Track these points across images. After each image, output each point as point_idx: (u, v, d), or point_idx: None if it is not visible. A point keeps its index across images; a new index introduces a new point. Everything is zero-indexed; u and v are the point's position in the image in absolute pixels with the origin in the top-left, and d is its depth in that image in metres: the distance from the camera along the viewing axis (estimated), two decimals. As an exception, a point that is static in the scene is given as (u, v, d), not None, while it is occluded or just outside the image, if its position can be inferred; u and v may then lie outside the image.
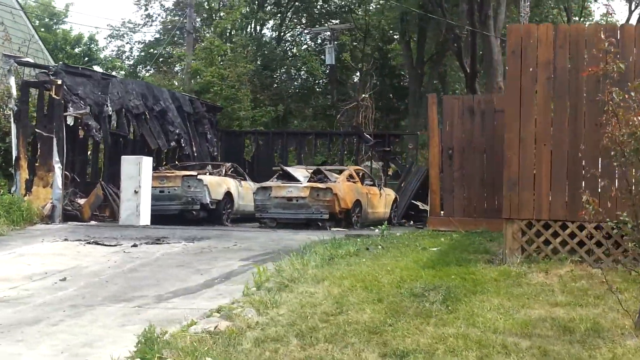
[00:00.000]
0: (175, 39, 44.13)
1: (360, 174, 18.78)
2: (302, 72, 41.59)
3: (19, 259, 11.49)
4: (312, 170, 17.76)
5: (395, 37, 39.83)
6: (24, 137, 16.06)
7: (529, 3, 25.40)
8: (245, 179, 19.86)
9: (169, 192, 16.94)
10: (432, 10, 36.79)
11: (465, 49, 32.70)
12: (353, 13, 39.83)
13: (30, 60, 17.98)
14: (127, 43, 47.98)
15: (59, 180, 15.80)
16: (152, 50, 44.18)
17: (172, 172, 17.55)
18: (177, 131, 21.92)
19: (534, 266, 8.02)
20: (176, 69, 42.04)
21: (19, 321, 7.49)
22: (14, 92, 16.32)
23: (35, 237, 13.84)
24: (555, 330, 6.19)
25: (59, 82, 15.90)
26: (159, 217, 16.70)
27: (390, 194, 20.04)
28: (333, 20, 41.11)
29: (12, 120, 16.20)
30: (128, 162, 16.13)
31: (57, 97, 15.85)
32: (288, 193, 16.46)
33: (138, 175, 15.91)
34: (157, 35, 44.88)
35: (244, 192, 19.10)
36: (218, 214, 17.68)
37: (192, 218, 17.24)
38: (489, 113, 12.84)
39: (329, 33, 37.44)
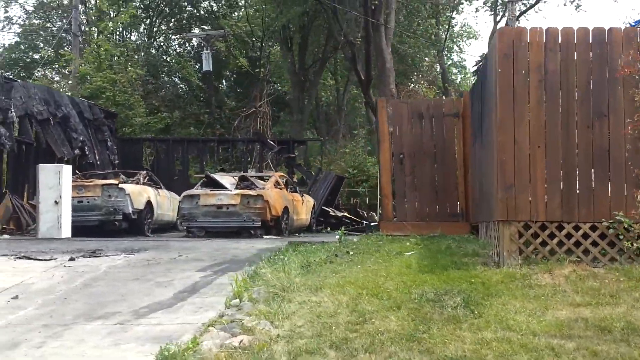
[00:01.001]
0: (37, 42, 42.27)
1: (284, 181, 18.50)
2: (176, 78, 40.63)
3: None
4: (237, 177, 17.32)
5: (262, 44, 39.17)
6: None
7: (518, 6, 25.91)
8: (161, 188, 19.14)
9: (88, 202, 16.01)
10: (314, 18, 37.07)
11: (359, 56, 32.99)
12: (225, 19, 39.14)
13: None
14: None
15: (-30, 192, 14.61)
16: (12, 54, 41.99)
17: (91, 181, 16.61)
18: (81, 138, 20.87)
19: (535, 268, 8.05)
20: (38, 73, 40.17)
21: (-7, 344, 6.79)
22: None
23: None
24: (593, 331, 6.19)
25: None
26: (77, 229, 15.75)
27: (310, 200, 19.88)
28: (204, 27, 40.34)
29: None
30: (47, 171, 15.10)
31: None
32: (218, 201, 15.94)
33: (59, 185, 14.93)
34: (17, 39, 42.90)
35: (161, 201, 18.40)
36: (139, 224, 16.91)
37: (113, 229, 16.38)
38: (439, 117, 12.89)
39: (199, 40, 36.49)
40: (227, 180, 17.01)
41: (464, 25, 47.89)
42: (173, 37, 42.65)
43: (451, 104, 13.12)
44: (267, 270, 9.94)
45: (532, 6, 42.21)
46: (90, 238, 14.88)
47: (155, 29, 41.77)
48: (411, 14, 38.74)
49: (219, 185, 16.59)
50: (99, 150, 22.65)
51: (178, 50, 42.25)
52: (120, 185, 16.45)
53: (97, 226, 16.27)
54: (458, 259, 8.78)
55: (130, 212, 16.42)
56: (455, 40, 47.52)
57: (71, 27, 30.97)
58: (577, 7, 44.59)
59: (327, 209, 22.68)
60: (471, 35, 49.81)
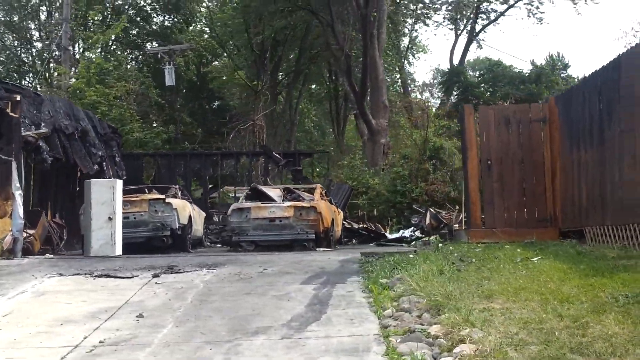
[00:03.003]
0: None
1: (324, 192, 18.21)
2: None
3: (43, 298, 9.90)
4: (282, 189, 16.99)
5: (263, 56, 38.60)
6: (-28, 162, 14.00)
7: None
8: (192, 202, 18.67)
9: (134, 217, 15.44)
10: (292, 32, 36.94)
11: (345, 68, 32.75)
12: (182, 34, 38.44)
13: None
14: None
15: (20, 210, 13.90)
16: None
17: (137, 196, 16.02)
18: (100, 153, 20.26)
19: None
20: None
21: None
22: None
23: (17, 273, 11.98)
24: None
25: (18, 98, 14.06)
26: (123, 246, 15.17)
27: (340, 212, 19.64)
28: (155, 42, 39.61)
29: (-45, 143, 14.05)
30: (100, 186, 14.52)
31: (16, 116, 13.98)
32: (270, 214, 15.55)
33: (112, 201, 14.37)
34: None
35: (195, 215, 17.94)
36: (183, 239, 16.39)
37: (160, 245, 15.84)
38: (525, 123, 12.83)
39: (160, 54, 35.55)
40: (274, 192, 16.64)
41: (414, 39, 48.81)
42: (128, 52, 41.65)
43: (537, 109, 13.06)
44: (387, 280, 9.80)
45: (493, 21, 43.18)
46: (152, 255, 14.40)
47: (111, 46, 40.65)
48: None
49: (267, 198, 16.22)
50: (110, 165, 22.01)
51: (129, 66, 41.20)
52: (167, 200, 15.95)
53: (143, 243, 15.68)
54: (614, 262, 8.67)
55: (177, 227, 15.94)
56: (404, 54, 48.31)
57: (62, 41, 30.13)
58: (540, 20, 45.80)
59: (343, 221, 22.47)
60: (420, 50, 50.86)
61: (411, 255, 11.47)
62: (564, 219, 12.24)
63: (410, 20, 43.65)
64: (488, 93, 45.28)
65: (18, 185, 13.95)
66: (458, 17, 43.65)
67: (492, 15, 42.56)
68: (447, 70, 48.05)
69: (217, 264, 12.57)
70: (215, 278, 11.11)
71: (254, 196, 16.47)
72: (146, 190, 18.54)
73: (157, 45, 38.15)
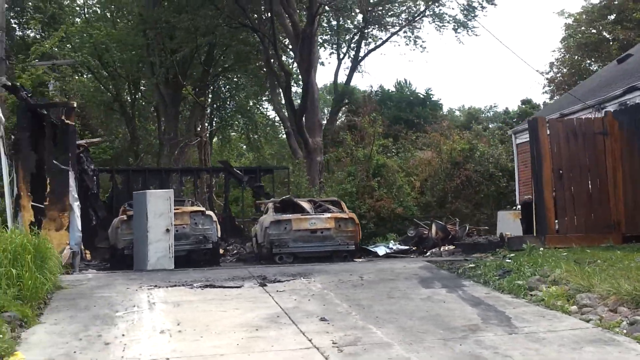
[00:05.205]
0: None
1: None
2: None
3: (186, 307, 9.68)
4: (307, 201, 17.16)
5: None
6: (24, 171, 13.25)
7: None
8: (205, 215, 18.41)
9: (177, 230, 14.94)
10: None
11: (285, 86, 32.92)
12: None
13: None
14: None
15: (78, 222, 13.36)
16: None
17: (177, 208, 15.55)
18: (92, 167, 19.64)
19: None
20: None
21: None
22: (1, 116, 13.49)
23: (105, 287, 11.52)
24: None
25: (74, 104, 13.54)
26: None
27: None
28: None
29: (2, 150, 13.26)
30: (157, 197, 14.15)
31: (71, 123, 13.45)
32: (311, 225, 15.68)
33: (169, 212, 14.05)
34: None
35: (214, 227, 17.74)
36: (216, 252, 16.14)
37: (198, 259, 15.54)
38: (589, 135, 13.77)
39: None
40: (306, 205, 16.76)
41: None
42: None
43: (599, 122, 14.03)
44: (522, 282, 10.30)
45: (375, 48, 43.93)
46: (208, 268, 14.23)
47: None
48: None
49: (299, 210, 16.35)
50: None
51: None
52: (207, 212, 15.71)
53: (182, 256, 15.26)
54: None
55: (217, 240, 15.76)
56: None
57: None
58: (423, 48, 49.27)
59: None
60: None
61: (508, 260, 12.08)
62: (630, 225, 13.30)
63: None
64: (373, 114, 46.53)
65: (76, 196, 13.43)
66: (341, 42, 44.32)
67: (374, 42, 43.16)
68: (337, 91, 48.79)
69: (303, 273, 12.63)
70: (328, 286, 11.24)
71: (281, 209, 16.55)
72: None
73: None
